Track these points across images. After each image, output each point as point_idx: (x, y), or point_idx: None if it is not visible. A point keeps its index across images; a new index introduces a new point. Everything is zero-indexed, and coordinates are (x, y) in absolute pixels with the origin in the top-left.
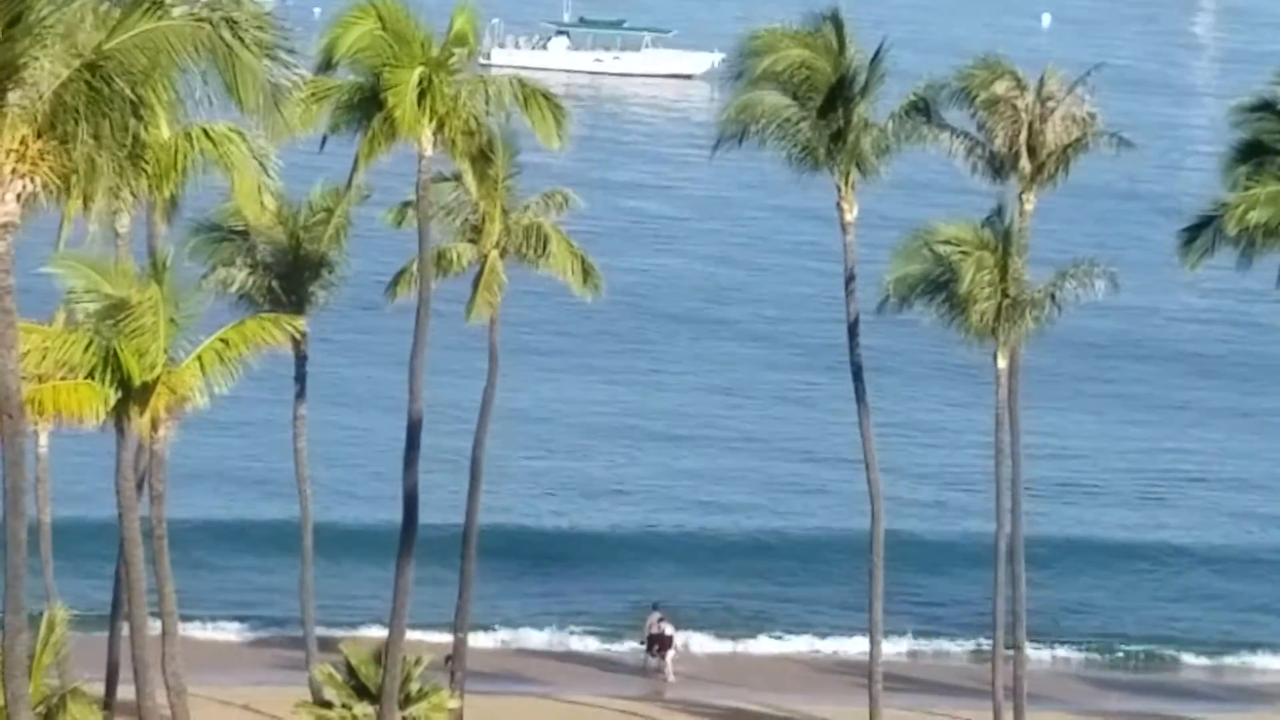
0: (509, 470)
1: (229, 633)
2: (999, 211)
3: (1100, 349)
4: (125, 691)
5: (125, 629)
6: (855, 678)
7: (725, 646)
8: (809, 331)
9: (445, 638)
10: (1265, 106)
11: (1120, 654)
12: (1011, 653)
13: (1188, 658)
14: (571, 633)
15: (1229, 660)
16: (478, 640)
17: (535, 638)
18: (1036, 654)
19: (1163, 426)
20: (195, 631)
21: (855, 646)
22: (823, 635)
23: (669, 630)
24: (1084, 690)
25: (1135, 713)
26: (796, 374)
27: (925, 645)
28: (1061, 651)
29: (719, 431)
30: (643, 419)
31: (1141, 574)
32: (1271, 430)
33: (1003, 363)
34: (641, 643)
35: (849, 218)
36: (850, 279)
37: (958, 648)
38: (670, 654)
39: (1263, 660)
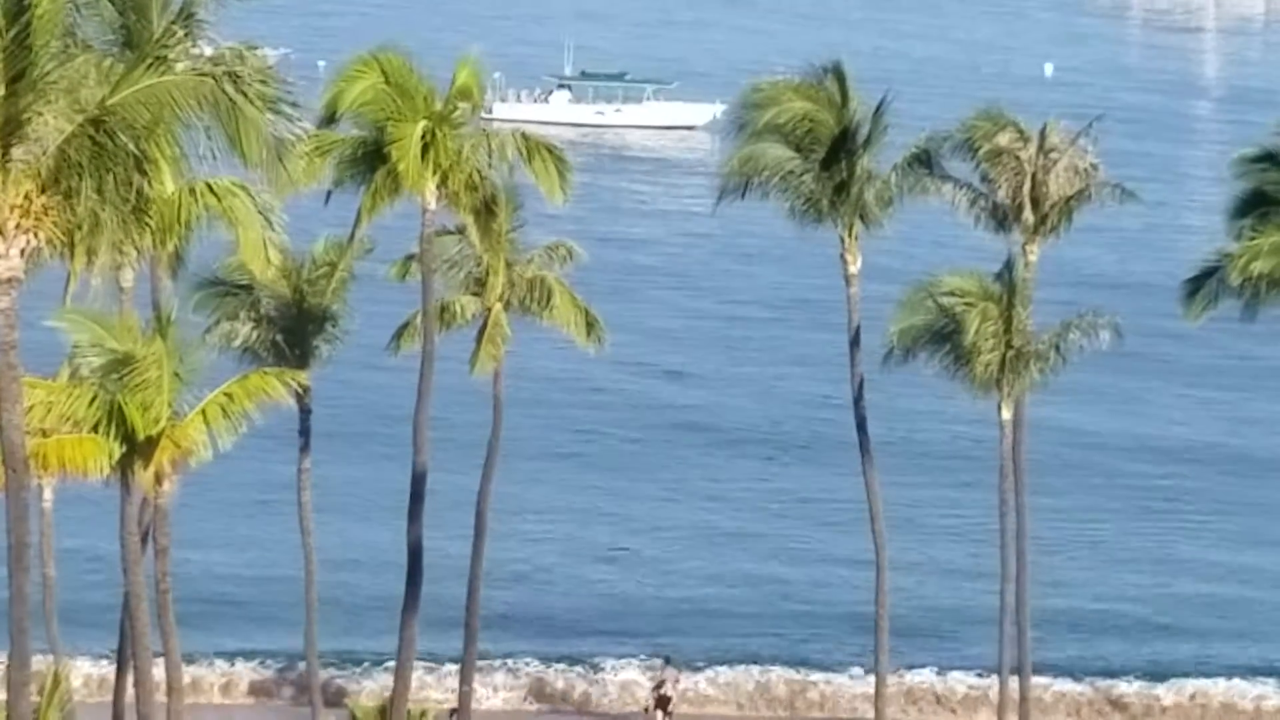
0: (516, 520)
1: (235, 686)
2: (1009, 264)
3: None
4: None
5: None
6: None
7: (731, 687)
8: (812, 389)
9: (451, 682)
10: (1268, 157)
11: (1124, 691)
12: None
13: (1189, 692)
14: (578, 683)
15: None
16: (483, 692)
17: (542, 688)
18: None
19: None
20: (202, 680)
21: (860, 687)
22: (828, 670)
23: (669, 691)
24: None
25: None
26: (798, 430)
27: (931, 687)
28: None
29: (723, 486)
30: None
31: (1148, 615)
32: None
33: (1007, 414)
34: (647, 699)
35: (853, 270)
36: (855, 331)
37: (963, 691)
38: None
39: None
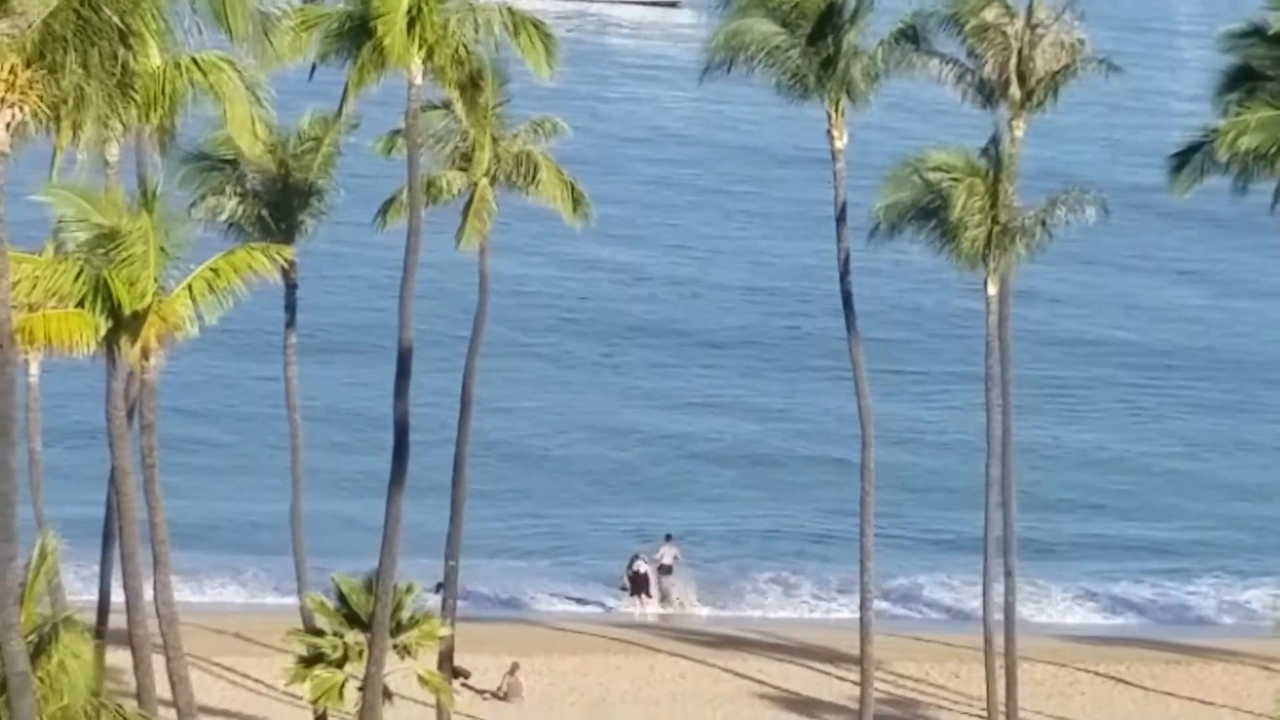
0: (500, 398)
1: (221, 563)
2: (995, 140)
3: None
4: (117, 620)
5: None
6: (848, 603)
7: (719, 575)
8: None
9: (436, 565)
10: (1255, 32)
11: (1109, 577)
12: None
13: (1178, 581)
14: (564, 560)
15: (1222, 585)
16: (469, 567)
17: (527, 564)
18: (1027, 579)
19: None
20: (186, 562)
21: (847, 573)
22: (816, 560)
23: (643, 569)
24: (1075, 615)
25: (1129, 638)
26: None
27: (917, 572)
28: (1052, 575)
29: (713, 357)
30: (633, 343)
31: (1133, 496)
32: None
33: (993, 289)
34: (625, 581)
35: (839, 145)
36: (841, 206)
37: (949, 575)
38: (649, 593)
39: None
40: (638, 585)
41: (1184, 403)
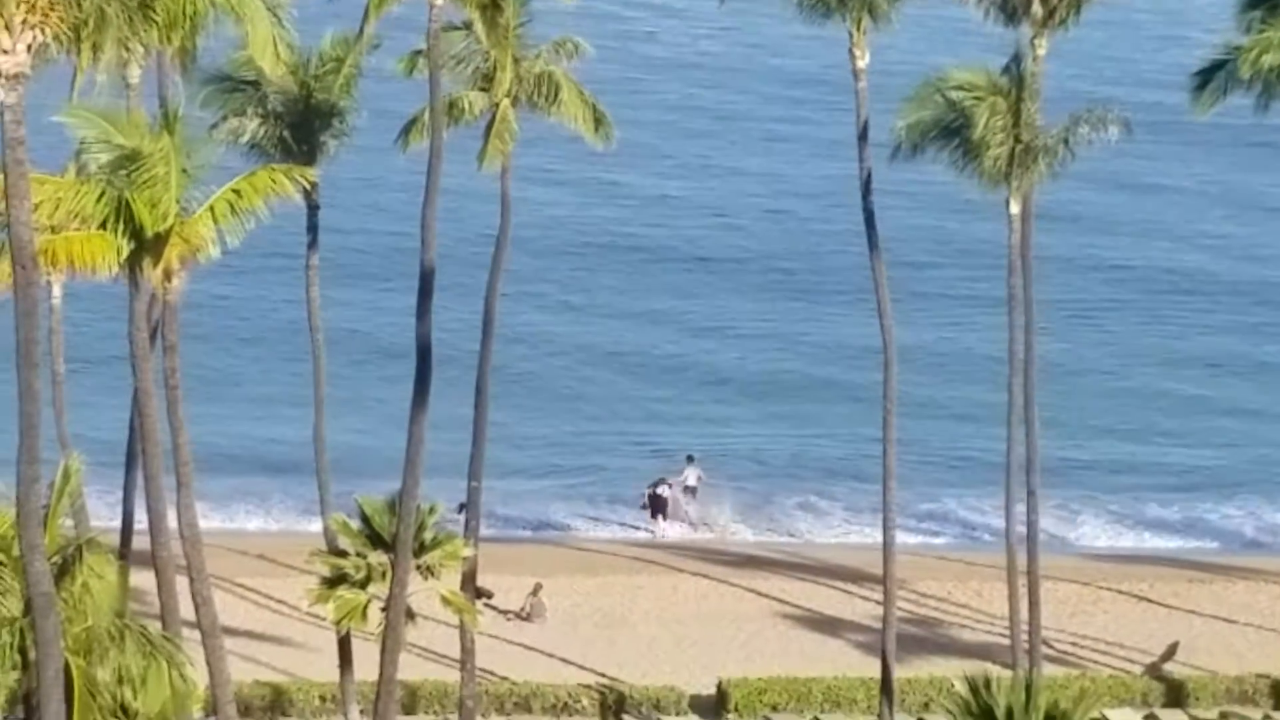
0: (522, 323)
1: (244, 485)
2: (1017, 58)
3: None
4: (140, 541)
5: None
6: (872, 525)
7: (743, 497)
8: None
9: (459, 486)
10: None
11: (1133, 499)
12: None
13: (1201, 502)
14: (587, 481)
15: (1246, 507)
16: (491, 488)
17: (550, 486)
18: (1050, 501)
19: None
20: (210, 488)
21: (872, 495)
22: (839, 483)
23: (664, 491)
24: (1099, 535)
25: (1152, 557)
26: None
27: (941, 493)
28: (1076, 497)
29: (736, 281)
30: (655, 268)
31: (1157, 419)
32: None
33: (1015, 208)
34: (644, 502)
35: (860, 65)
36: (863, 125)
37: (973, 496)
38: (668, 516)
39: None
40: (656, 506)
41: (1206, 326)
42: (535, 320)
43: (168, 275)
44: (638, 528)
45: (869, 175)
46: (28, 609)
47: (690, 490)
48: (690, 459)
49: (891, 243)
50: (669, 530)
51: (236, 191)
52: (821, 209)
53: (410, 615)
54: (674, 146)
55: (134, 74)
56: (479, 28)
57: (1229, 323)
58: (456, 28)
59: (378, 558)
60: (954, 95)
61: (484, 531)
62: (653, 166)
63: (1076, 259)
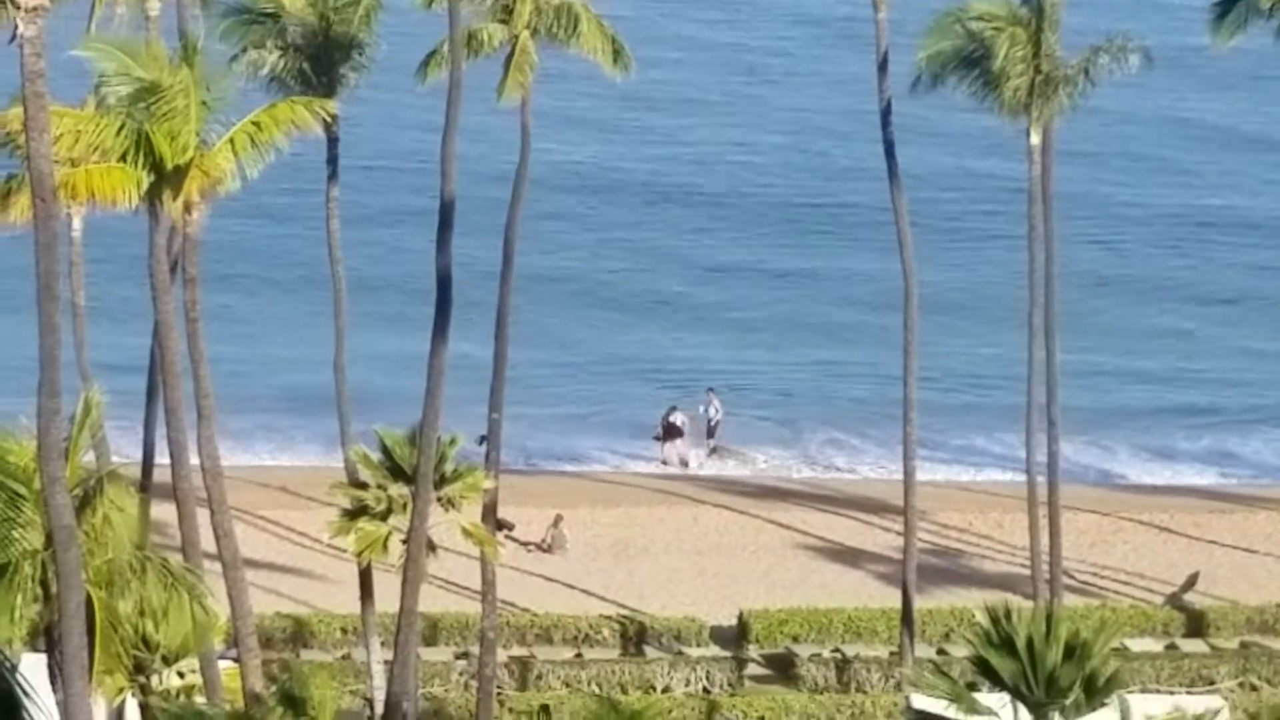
0: (540, 261)
1: (266, 420)
2: None
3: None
4: (162, 474)
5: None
6: (892, 453)
7: (762, 429)
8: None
9: (479, 418)
10: None
11: (1154, 432)
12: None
13: (1222, 435)
14: (607, 413)
15: (1268, 439)
16: (511, 420)
17: (570, 417)
18: (1071, 430)
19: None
20: (231, 417)
21: (893, 428)
22: (860, 415)
23: (678, 420)
24: (1119, 465)
25: (1174, 487)
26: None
27: (961, 423)
28: (1097, 431)
29: (756, 219)
30: (673, 206)
31: (1177, 355)
32: None
33: (1036, 139)
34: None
35: None
36: (883, 55)
37: (994, 428)
38: (680, 445)
39: None
40: (670, 435)
41: (1230, 263)
42: (554, 259)
43: (187, 208)
44: (654, 459)
45: (889, 105)
46: (49, 542)
47: (710, 422)
48: (710, 390)
49: (913, 180)
50: (681, 457)
51: (256, 124)
52: (843, 145)
53: (431, 547)
54: (695, 83)
55: (153, 7)
56: None
57: (1254, 260)
58: None
59: (398, 490)
60: (974, 26)
61: (504, 463)
62: (673, 109)
63: (1092, 197)
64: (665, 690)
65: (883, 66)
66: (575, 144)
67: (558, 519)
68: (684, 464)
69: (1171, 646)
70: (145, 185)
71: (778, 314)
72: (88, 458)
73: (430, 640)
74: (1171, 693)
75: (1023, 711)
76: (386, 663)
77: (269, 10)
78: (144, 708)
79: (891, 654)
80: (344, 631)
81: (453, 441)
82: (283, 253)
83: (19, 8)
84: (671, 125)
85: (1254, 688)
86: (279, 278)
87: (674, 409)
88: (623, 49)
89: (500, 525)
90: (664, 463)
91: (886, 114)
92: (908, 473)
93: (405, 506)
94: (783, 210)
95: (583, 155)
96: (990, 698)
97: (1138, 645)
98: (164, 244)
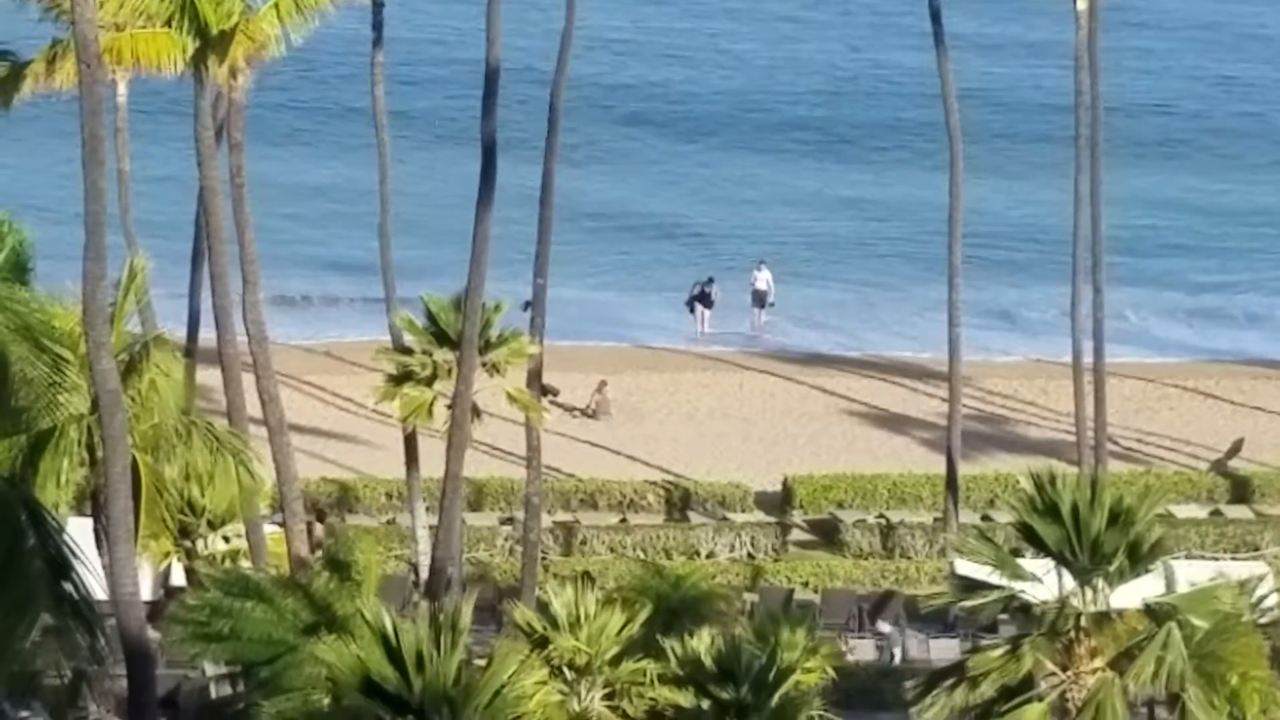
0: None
1: (310, 283)
2: None
3: None
4: (207, 339)
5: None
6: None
7: (812, 298)
8: None
9: (525, 283)
10: None
11: (1200, 305)
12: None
13: (1267, 297)
14: (653, 280)
15: None
16: (557, 286)
17: (615, 283)
18: (1116, 298)
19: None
20: (276, 281)
21: (937, 300)
22: (908, 287)
23: (712, 290)
24: (1160, 330)
25: (1219, 353)
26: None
27: (1007, 290)
28: (1142, 301)
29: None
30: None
31: (1223, 239)
32: None
33: (1082, 4)
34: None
35: None
36: None
37: (1040, 297)
38: (706, 314)
39: None
40: (704, 303)
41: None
42: (589, 181)
43: (233, 73)
44: (691, 325)
45: None
46: (94, 406)
47: (759, 293)
48: (761, 263)
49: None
50: (703, 324)
51: None
52: (883, 71)
53: (476, 412)
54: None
55: None
56: None
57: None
58: None
59: (443, 355)
60: None
61: (549, 329)
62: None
63: (1124, 100)
64: (709, 556)
65: None
66: (616, 65)
67: (602, 384)
68: (702, 333)
69: (1216, 513)
70: (190, 50)
71: (821, 233)
72: (133, 323)
73: (475, 505)
74: (1216, 559)
75: (1066, 577)
76: (431, 528)
77: None
78: (189, 572)
79: (936, 520)
80: (389, 497)
81: (497, 307)
82: (329, 116)
83: None
84: (705, 43)
85: None
86: (323, 141)
87: (711, 279)
88: None
89: (545, 390)
90: (699, 333)
91: None
92: (952, 339)
93: (450, 372)
94: (823, 128)
95: (622, 77)
96: (1034, 564)
97: (1182, 511)
98: (209, 109)
